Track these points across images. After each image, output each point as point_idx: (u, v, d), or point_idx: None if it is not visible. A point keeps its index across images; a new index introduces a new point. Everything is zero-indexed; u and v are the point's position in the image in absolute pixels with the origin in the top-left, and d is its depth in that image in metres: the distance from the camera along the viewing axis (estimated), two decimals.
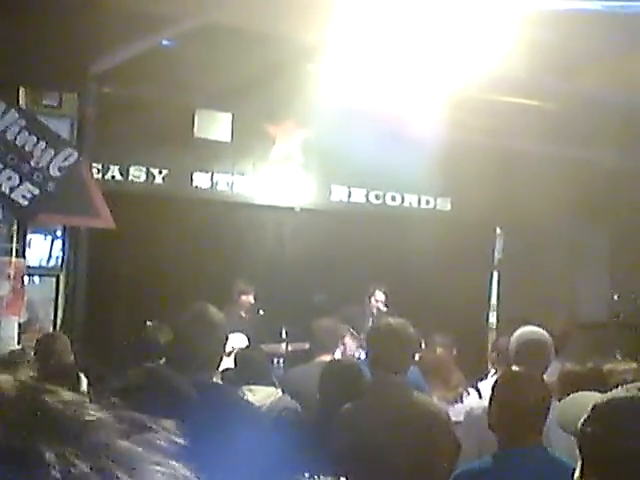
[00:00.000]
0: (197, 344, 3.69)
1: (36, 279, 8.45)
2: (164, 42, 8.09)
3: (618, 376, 5.17)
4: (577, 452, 1.57)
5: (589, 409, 1.56)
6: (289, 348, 8.69)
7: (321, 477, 1.78)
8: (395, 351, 4.14)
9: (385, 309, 9.34)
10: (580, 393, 3.36)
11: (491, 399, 3.58)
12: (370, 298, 9.56)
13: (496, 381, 3.75)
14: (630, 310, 11.36)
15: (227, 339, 3.90)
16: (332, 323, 6.70)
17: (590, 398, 1.63)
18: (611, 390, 1.67)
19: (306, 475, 1.78)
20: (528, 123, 9.60)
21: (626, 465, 1.46)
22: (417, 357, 6.70)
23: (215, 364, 3.82)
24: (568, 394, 4.68)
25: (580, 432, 1.56)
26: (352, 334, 7.64)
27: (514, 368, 4.46)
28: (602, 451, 1.50)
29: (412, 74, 8.18)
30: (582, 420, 1.56)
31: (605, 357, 7.12)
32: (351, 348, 7.55)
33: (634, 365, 5.99)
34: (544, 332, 4.98)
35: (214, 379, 3.84)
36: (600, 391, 3.32)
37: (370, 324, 9.23)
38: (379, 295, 9.56)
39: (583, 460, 1.55)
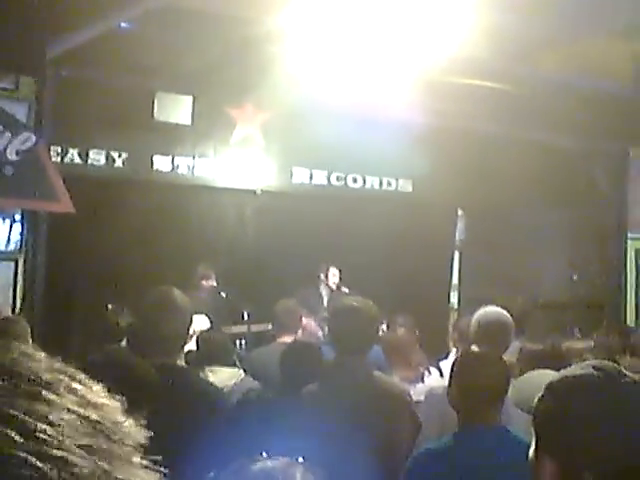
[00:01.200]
0: (161, 327, 3.69)
1: None
2: (122, 24, 8.01)
3: (576, 354, 5.26)
4: (532, 430, 1.60)
5: (544, 387, 1.58)
6: (251, 329, 8.70)
7: (279, 458, 1.78)
8: (357, 331, 4.15)
9: (346, 289, 9.38)
10: (536, 372, 3.42)
11: (451, 378, 3.62)
12: (326, 276, 9.60)
13: (455, 361, 3.79)
14: (589, 290, 11.52)
15: (191, 322, 3.90)
16: (293, 304, 6.72)
17: (546, 376, 1.66)
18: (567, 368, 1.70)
19: (263, 455, 1.78)
20: (489, 106, 9.66)
21: (579, 443, 1.49)
22: (379, 337, 6.76)
23: (179, 347, 3.82)
24: (527, 372, 4.76)
25: (534, 410, 1.58)
26: (308, 315, 7.68)
27: (473, 348, 4.51)
28: (555, 429, 1.53)
29: (373, 57, 8.19)
30: (537, 398, 1.59)
31: (564, 336, 7.25)
32: (309, 330, 7.59)
33: (592, 343, 6.09)
34: (505, 312, 5.03)
35: (178, 362, 3.84)
36: (558, 370, 3.38)
37: (325, 304, 9.29)
38: (334, 271, 9.61)
39: (537, 438, 1.58)
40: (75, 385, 0.68)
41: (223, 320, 8.38)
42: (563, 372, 1.64)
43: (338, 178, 10.80)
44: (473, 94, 9.46)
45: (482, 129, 10.40)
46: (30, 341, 5.78)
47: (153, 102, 9.39)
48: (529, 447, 1.63)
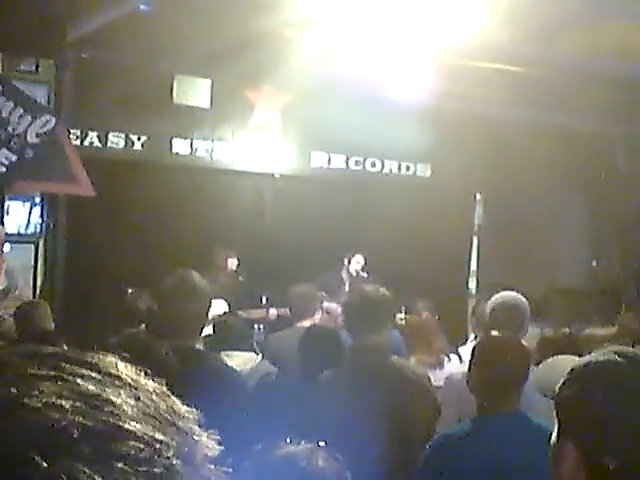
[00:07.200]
0: (180, 310, 3.69)
1: (15, 246, 8.41)
2: (141, 6, 7.99)
3: (598, 341, 5.22)
4: (554, 416, 1.59)
5: (567, 372, 1.57)
6: (269, 314, 8.70)
7: (302, 443, 1.78)
8: (370, 318, 4.15)
9: (364, 274, 9.36)
10: (559, 357, 3.41)
11: (470, 363, 3.61)
12: (349, 262, 9.57)
13: (475, 345, 3.78)
14: (608, 276, 11.45)
15: (210, 305, 3.90)
16: (310, 289, 6.70)
17: (568, 362, 1.65)
18: (589, 354, 1.69)
19: (287, 440, 1.78)
20: (508, 89, 9.59)
21: (602, 429, 1.48)
22: (402, 321, 6.75)
23: (198, 330, 3.82)
24: (546, 359, 4.74)
25: (557, 396, 1.57)
26: (330, 299, 7.66)
27: (493, 333, 4.49)
28: (578, 415, 1.52)
29: (392, 40, 8.14)
30: (560, 384, 1.57)
31: (584, 323, 7.20)
32: (331, 312, 7.58)
33: (612, 330, 6.05)
34: (520, 296, 4.98)
35: (197, 345, 3.84)
36: (578, 356, 3.36)
37: (347, 289, 9.27)
38: (358, 258, 9.57)
39: (560, 424, 1.57)
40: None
41: (241, 304, 8.39)
42: (586, 357, 1.63)
43: (356, 162, 10.78)
44: (492, 77, 9.39)
45: (501, 113, 10.33)
46: (52, 324, 5.81)
47: (172, 85, 9.39)
48: (549, 432, 1.62)
